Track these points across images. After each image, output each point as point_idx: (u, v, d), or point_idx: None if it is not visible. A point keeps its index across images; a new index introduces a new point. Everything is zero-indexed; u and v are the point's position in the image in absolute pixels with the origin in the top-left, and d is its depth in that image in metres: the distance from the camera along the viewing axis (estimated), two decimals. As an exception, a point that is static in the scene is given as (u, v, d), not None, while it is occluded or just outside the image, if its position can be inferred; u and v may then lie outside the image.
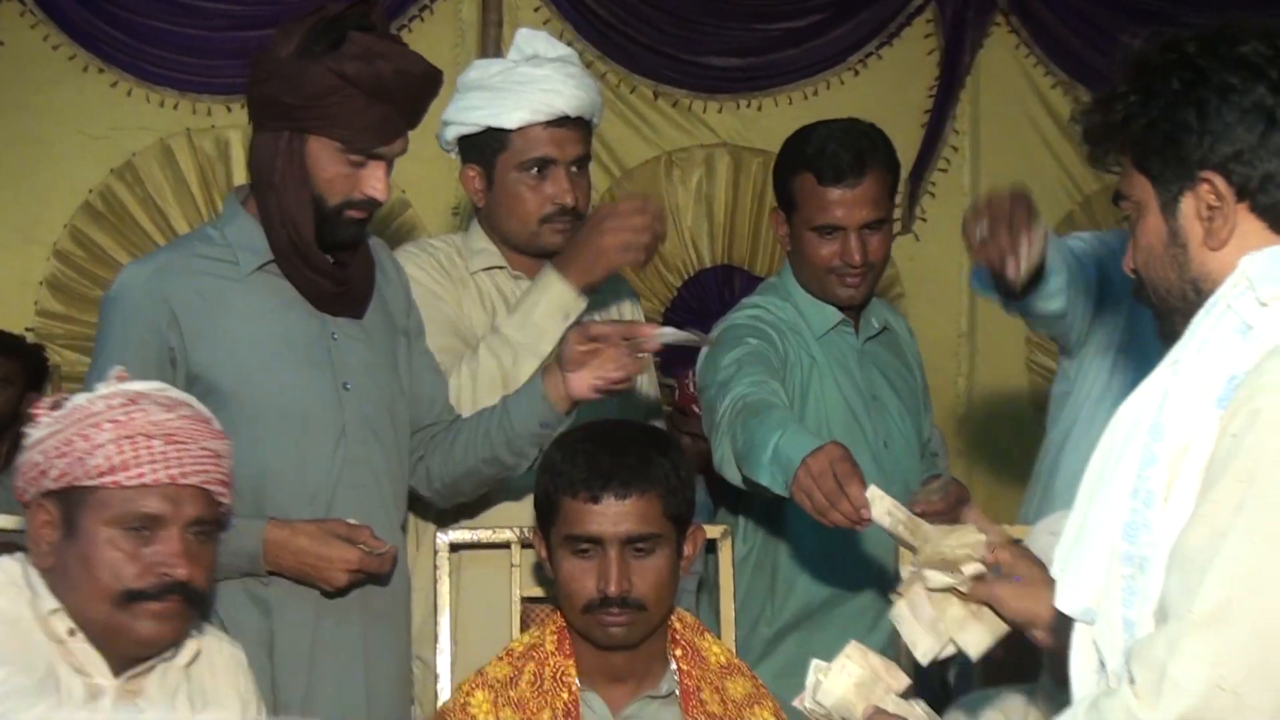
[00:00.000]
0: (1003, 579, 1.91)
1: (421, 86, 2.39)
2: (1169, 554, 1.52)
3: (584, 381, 2.44)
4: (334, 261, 2.43)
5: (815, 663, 1.94)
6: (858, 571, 2.87)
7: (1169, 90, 1.63)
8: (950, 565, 1.93)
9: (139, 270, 2.43)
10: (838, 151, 2.77)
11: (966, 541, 1.94)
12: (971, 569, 1.92)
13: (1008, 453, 4.43)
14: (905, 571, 2.05)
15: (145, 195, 4.37)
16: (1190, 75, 1.63)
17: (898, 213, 4.51)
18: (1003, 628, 1.93)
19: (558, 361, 2.48)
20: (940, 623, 1.94)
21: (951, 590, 1.94)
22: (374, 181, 2.37)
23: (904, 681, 1.93)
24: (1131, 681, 1.48)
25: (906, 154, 4.20)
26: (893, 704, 1.90)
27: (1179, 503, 1.54)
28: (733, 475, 2.62)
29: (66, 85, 4.30)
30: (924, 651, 1.96)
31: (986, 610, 1.93)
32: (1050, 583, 1.71)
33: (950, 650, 1.96)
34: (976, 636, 1.94)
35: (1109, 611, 1.59)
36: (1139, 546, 1.56)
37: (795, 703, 1.95)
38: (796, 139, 2.86)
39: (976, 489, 4.12)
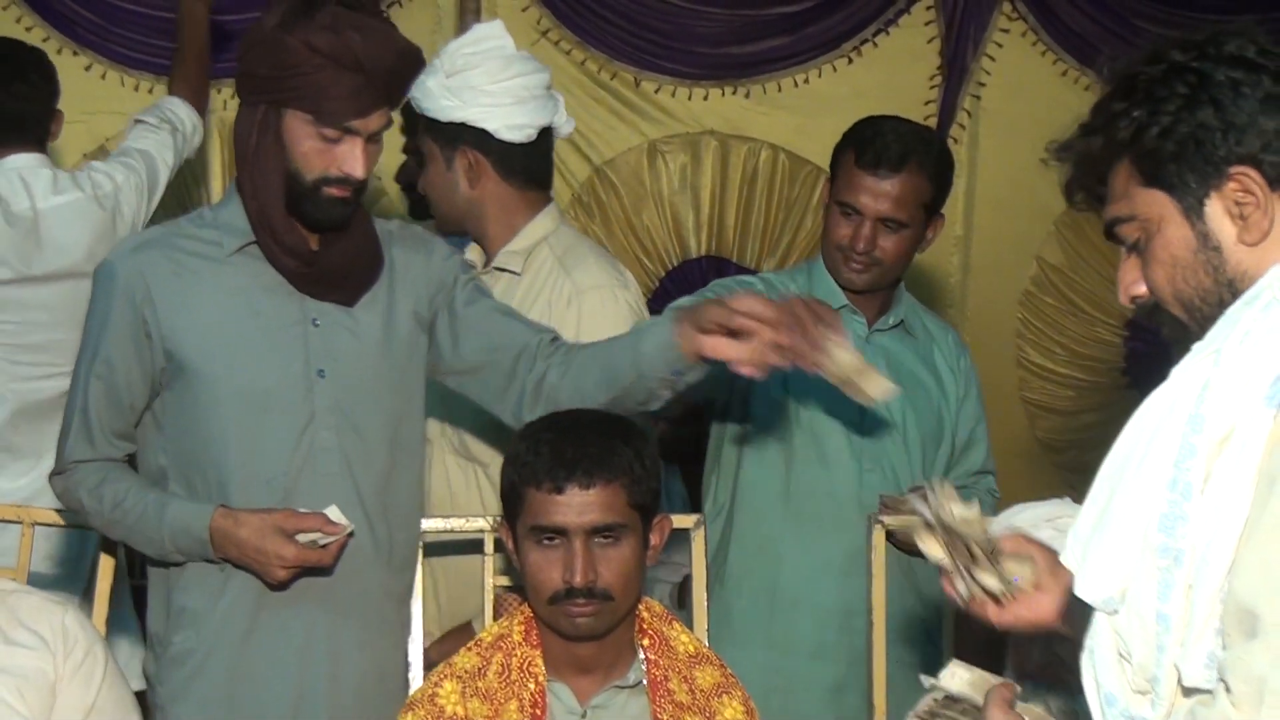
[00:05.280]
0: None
1: (396, 61, 2.35)
2: (1238, 561, 1.47)
3: (718, 349, 2.29)
4: (319, 239, 2.41)
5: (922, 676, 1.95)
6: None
7: (1177, 95, 1.62)
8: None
9: (125, 245, 2.52)
10: (886, 141, 2.86)
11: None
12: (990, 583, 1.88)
13: (997, 447, 4.36)
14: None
15: (119, 180, 4.33)
16: (1193, 78, 1.62)
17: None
18: None
19: (690, 317, 2.32)
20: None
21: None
22: (349, 158, 2.34)
23: (1014, 688, 1.89)
24: (1228, 692, 1.45)
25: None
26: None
27: (1215, 495, 1.50)
28: None
29: (40, 68, 4.26)
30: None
31: None
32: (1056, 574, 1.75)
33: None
34: None
35: (1139, 604, 1.54)
36: (1175, 539, 1.52)
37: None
38: (864, 120, 2.96)
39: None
